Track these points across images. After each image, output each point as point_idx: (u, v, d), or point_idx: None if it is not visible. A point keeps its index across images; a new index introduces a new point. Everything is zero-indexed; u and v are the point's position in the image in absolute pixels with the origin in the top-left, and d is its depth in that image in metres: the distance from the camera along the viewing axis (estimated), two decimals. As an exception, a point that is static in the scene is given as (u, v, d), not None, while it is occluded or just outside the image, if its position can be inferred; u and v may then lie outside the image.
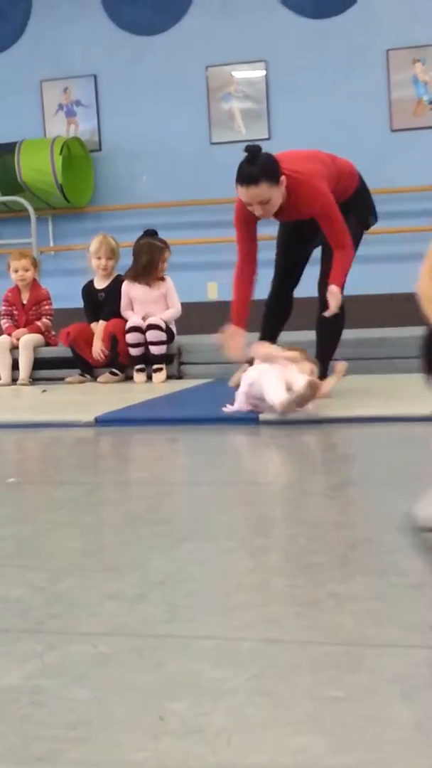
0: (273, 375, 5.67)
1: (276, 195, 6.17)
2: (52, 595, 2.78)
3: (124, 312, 8.14)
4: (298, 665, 2.20)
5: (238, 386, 6.11)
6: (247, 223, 6.43)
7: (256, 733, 1.88)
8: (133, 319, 8.01)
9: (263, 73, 11.20)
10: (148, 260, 8.10)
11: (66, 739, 1.88)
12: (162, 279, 8.17)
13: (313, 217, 6.36)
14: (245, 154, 6.16)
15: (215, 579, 2.87)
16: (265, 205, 6.19)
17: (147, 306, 8.10)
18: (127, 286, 8.16)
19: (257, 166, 6.11)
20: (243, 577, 2.88)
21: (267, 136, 10.91)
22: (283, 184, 6.17)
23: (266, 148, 6.40)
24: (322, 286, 6.50)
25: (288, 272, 6.86)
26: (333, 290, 6.32)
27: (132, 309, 8.15)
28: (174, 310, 8.18)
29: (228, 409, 5.80)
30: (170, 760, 1.79)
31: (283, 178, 6.16)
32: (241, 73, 11.29)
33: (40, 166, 11.19)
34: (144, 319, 8.02)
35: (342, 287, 6.38)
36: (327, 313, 6.33)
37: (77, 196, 11.58)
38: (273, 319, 6.90)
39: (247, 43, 11.08)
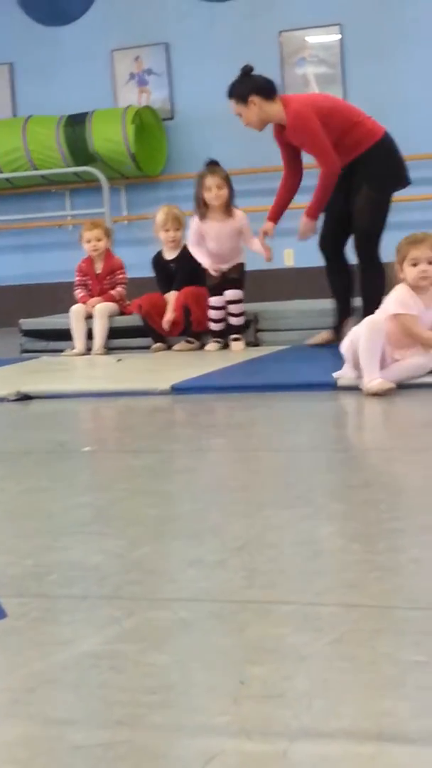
0: (370, 346, 5.34)
1: (244, 113, 7.20)
2: (130, 561, 2.78)
3: (192, 247, 7.93)
4: (379, 630, 2.18)
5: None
6: (277, 138, 7.34)
7: (338, 697, 1.86)
8: (214, 299, 7.77)
9: (338, 37, 11.10)
10: (195, 196, 7.87)
11: (146, 704, 1.88)
12: (234, 215, 7.90)
13: (295, 137, 7.12)
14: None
15: (294, 545, 2.85)
16: (241, 118, 7.29)
17: (222, 242, 7.83)
18: (197, 225, 7.88)
19: (232, 84, 7.25)
20: (322, 542, 2.86)
21: (341, 101, 10.81)
22: (254, 105, 7.11)
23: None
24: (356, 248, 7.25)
25: (331, 230, 7.36)
26: (301, 219, 7.27)
27: (201, 246, 7.86)
28: (258, 241, 7.83)
29: (338, 374, 5.64)
30: (252, 724, 1.77)
31: (253, 99, 7.10)
32: (315, 38, 11.20)
33: (112, 136, 11.20)
34: (219, 263, 7.73)
35: (311, 216, 7.23)
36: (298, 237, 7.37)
37: (150, 165, 11.57)
38: (338, 287, 7.44)
39: (320, 7, 10.97)
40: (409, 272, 5.42)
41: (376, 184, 7.10)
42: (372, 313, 5.89)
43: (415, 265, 5.40)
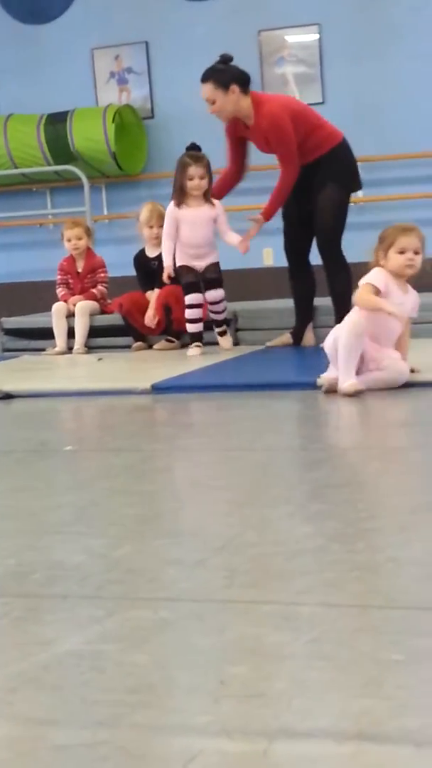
0: (348, 347, 5.33)
1: (221, 100, 7.13)
2: (111, 561, 2.79)
3: (166, 239, 7.69)
4: (358, 629, 2.19)
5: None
6: (230, 132, 7.43)
7: (318, 696, 1.87)
8: (192, 296, 7.67)
9: (317, 36, 11.09)
10: (175, 181, 7.76)
11: (127, 703, 1.89)
12: (211, 203, 7.81)
13: (267, 136, 7.18)
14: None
15: (274, 544, 2.87)
16: (212, 105, 7.22)
17: (196, 229, 7.67)
18: (172, 211, 7.71)
19: (212, 69, 7.20)
20: (302, 542, 2.87)
21: (321, 101, 10.82)
22: (233, 94, 7.09)
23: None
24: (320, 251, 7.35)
25: (293, 235, 7.47)
26: (257, 217, 7.32)
27: (177, 234, 7.72)
28: (234, 234, 7.74)
29: (323, 375, 5.58)
30: (232, 724, 1.78)
31: (234, 88, 7.09)
32: (294, 37, 11.20)
33: (92, 135, 11.17)
34: (192, 257, 7.63)
35: (266, 217, 7.29)
36: (246, 238, 7.37)
37: (130, 164, 11.55)
38: (300, 292, 7.59)
39: (300, 6, 10.97)
40: (395, 259, 5.41)
41: (340, 183, 7.24)
42: (345, 310, 5.92)
43: (402, 253, 5.41)
